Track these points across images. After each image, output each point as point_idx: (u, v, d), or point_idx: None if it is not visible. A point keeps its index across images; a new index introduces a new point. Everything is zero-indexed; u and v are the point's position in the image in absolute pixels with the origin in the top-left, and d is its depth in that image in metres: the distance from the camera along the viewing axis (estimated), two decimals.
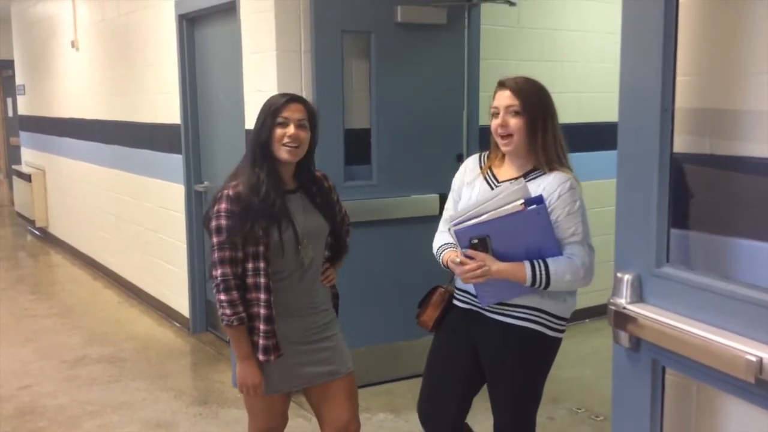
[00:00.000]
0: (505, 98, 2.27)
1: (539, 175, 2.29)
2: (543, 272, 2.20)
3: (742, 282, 1.37)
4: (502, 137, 2.29)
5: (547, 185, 2.25)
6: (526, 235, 2.18)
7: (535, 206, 2.11)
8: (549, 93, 2.33)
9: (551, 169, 2.28)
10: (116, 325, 5.40)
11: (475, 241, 2.18)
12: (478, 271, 2.19)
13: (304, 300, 2.42)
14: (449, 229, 2.26)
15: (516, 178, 2.29)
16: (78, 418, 3.83)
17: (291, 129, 2.34)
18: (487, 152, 2.46)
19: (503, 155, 2.38)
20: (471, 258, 2.20)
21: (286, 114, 2.34)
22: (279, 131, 2.33)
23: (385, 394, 4.04)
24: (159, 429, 3.70)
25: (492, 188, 2.33)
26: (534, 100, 2.27)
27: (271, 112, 2.34)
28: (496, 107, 2.29)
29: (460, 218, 2.20)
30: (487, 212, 2.15)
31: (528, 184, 2.23)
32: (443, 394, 2.50)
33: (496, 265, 2.19)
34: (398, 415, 3.81)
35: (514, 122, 2.26)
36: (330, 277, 2.54)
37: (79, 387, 4.24)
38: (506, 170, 2.36)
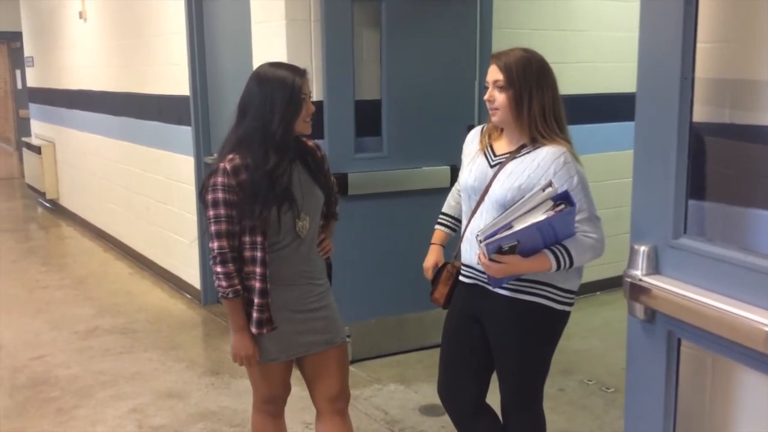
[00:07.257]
0: (492, 72, 2.31)
1: (532, 150, 2.28)
2: (566, 258, 2.20)
3: (761, 253, 1.35)
4: (491, 110, 2.33)
5: (542, 161, 2.24)
6: (550, 230, 2.17)
7: (564, 207, 2.09)
8: (544, 64, 2.31)
9: (544, 143, 2.26)
10: (128, 297, 5.44)
11: (506, 248, 2.17)
12: (502, 269, 2.19)
13: (300, 269, 2.42)
14: (478, 242, 2.21)
15: (510, 153, 2.30)
16: (90, 388, 3.87)
17: (311, 104, 2.36)
18: (487, 124, 2.46)
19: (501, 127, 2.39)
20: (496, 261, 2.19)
21: (305, 90, 2.34)
22: (304, 108, 2.33)
23: (395, 365, 4.05)
24: (171, 399, 3.74)
25: (489, 163, 2.35)
26: (519, 74, 2.26)
27: (297, 90, 2.31)
28: (487, 81, 2.34)
29: (489, 231, 2.16)
30: (515, 218, 2.12)
31: (522, 158, 2.26)
32: (459, 376, 2.52)
33: (524, 264, 2.19)
34: (408, 386, 3.83)
35: (499, 97, 2.29)
36: (327, 248, 2.55)
37: (92, 357, 4.28)
38: (503, 144, 2.37)
